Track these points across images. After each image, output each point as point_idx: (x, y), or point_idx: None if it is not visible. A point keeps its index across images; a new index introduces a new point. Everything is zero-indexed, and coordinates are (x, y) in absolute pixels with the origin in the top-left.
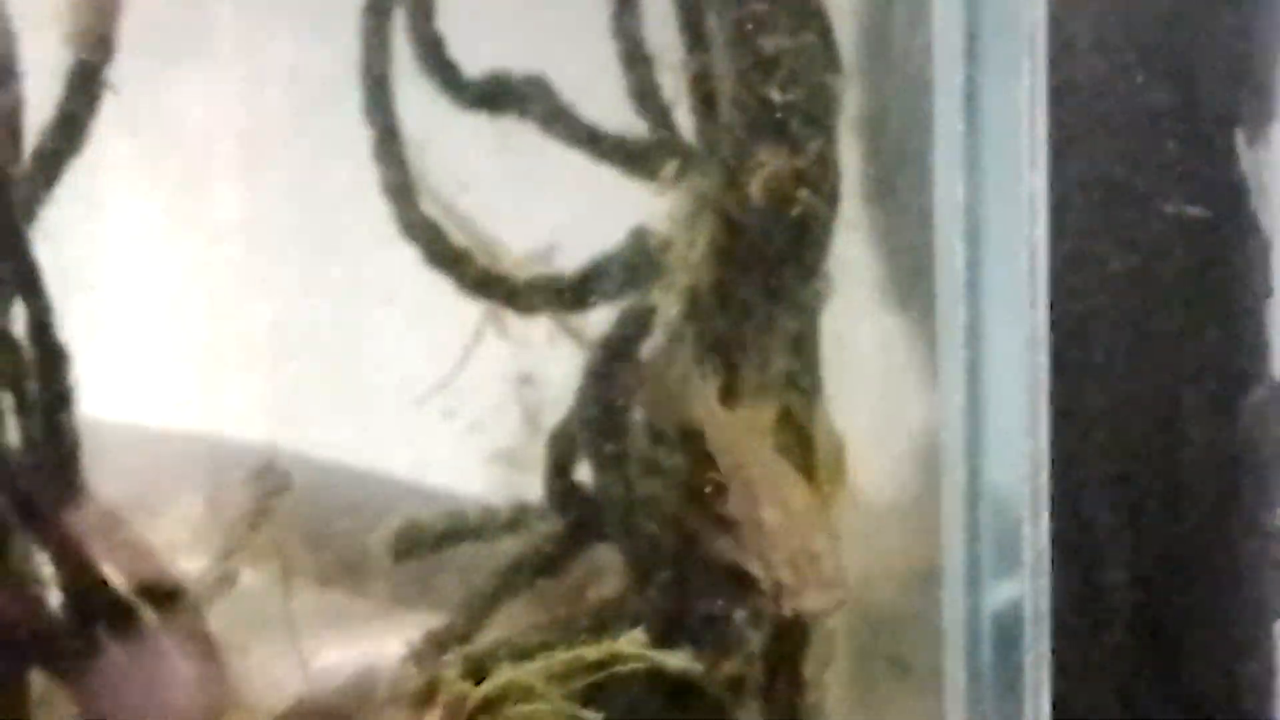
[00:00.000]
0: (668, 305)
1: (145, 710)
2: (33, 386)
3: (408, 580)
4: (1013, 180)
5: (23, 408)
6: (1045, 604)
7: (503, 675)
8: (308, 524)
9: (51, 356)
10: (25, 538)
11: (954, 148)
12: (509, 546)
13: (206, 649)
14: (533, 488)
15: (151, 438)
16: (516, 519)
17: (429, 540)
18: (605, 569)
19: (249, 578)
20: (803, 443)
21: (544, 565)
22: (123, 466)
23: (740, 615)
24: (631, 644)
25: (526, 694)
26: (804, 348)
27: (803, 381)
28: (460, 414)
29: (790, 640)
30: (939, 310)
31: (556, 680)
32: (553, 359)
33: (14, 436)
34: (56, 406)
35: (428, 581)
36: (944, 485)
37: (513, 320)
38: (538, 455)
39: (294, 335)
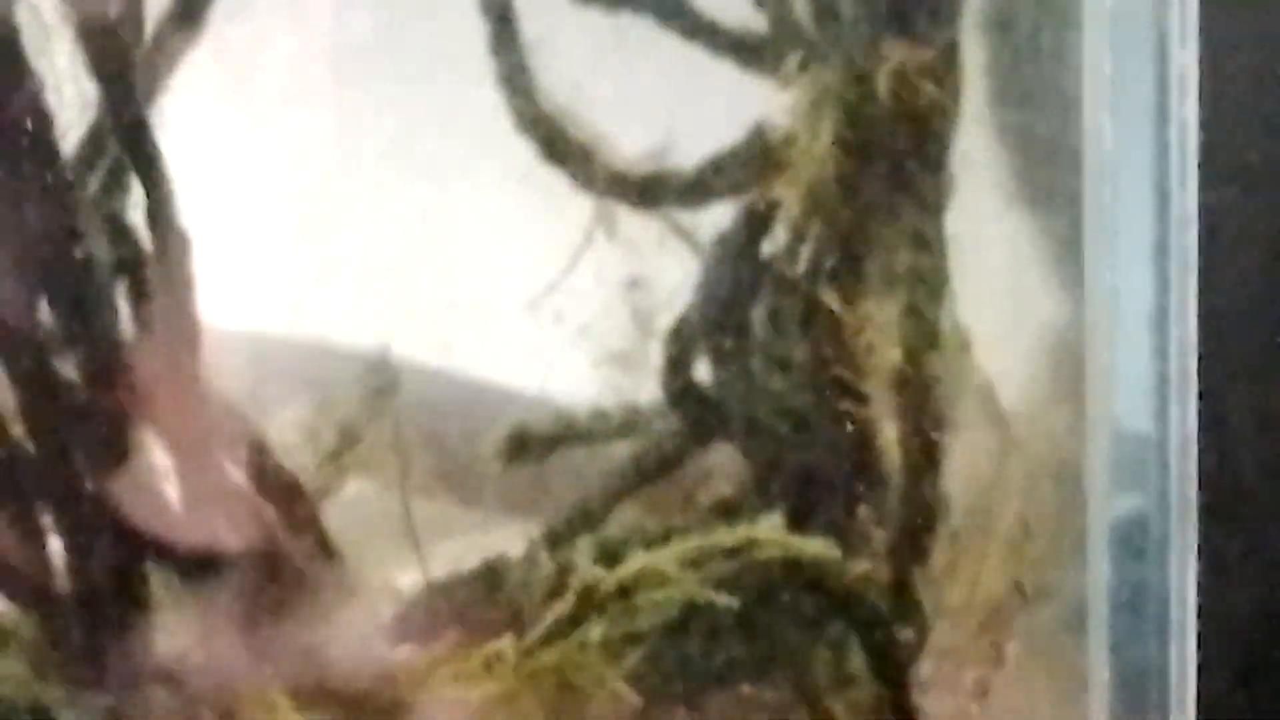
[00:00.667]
0: (790, 200)
1: (264, 605)
2: (151, 274)
3: (520, 488)
4: (1159, 60)
5: (140, 296)
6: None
7: (636, 561)
8: (418, 429)
9: (172, 242)
10: (142, 428)
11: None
12: (621, 451)
13: (324, 545)
14: (643, 391)
15: (257, 344)
16: (628, 422)
17: (539, 444)
18: (721, 471)
19: (360, 487)
20: (928, 339)
21: (662, 464)
22: (228, 371)
23: (866, 512)
24: (769, 530)
25: (660, 580)
26: (928, 243)
27: (928, 277)
28: (569, 318)
29: (917, 537)
30: (1082, 204)
31: (690, 566)
32: (663, 262)
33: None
34: (177, 286)
35: (541, 488)
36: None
37: (622, 223)
38: (648, 359)
39: (401, 243)
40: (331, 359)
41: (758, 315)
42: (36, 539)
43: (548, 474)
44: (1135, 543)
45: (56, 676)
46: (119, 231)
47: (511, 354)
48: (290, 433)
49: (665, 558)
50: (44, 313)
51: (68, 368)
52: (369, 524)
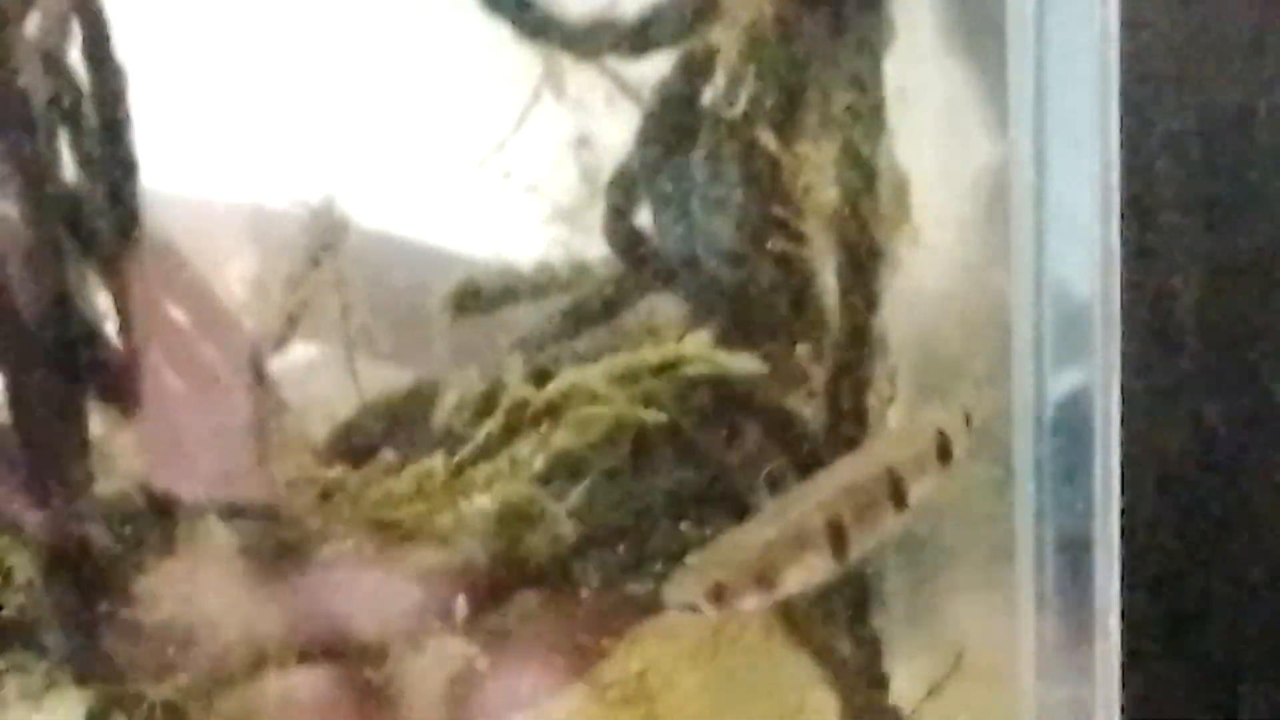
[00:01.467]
0: (728, 44)
1: (204, 442)
2: (90, 112)
3: (467, 344)
4: None
5: (79, 135)
6: (1114, 392)
7: (566, 379)
8: (365, 285)
9: (108, 78)
10: (84, 269)
11: None
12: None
13: (265, 387)
14: (589, 248)
15: (206, 204)
16: (573, 278)
17: (487, 298)
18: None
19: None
20: (865, 179)
21: (604, 309)
22: (177, 230)
23: (800, 349)
24: (696, 346)
25: (590, 397)
26: (867, 85)
27: (866, 118)
28: (518, 175)
29: (854, 373)
30: (1008, 57)
31: (619, 383)
32: (611, 121)
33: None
34: (114, 130)
35: (489, 344)
36: (1013, 255)
37: (570, 82)
38: (595, 216)
39: (352, 100)
40: (277, 219)
41: (697, 160)
42: None
43: (494, 329)
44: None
45: None
46: (56, 68)
47: (460, 211)
48: (237, 288)
49: (594, 374)
50: None
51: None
52: (315, 385)
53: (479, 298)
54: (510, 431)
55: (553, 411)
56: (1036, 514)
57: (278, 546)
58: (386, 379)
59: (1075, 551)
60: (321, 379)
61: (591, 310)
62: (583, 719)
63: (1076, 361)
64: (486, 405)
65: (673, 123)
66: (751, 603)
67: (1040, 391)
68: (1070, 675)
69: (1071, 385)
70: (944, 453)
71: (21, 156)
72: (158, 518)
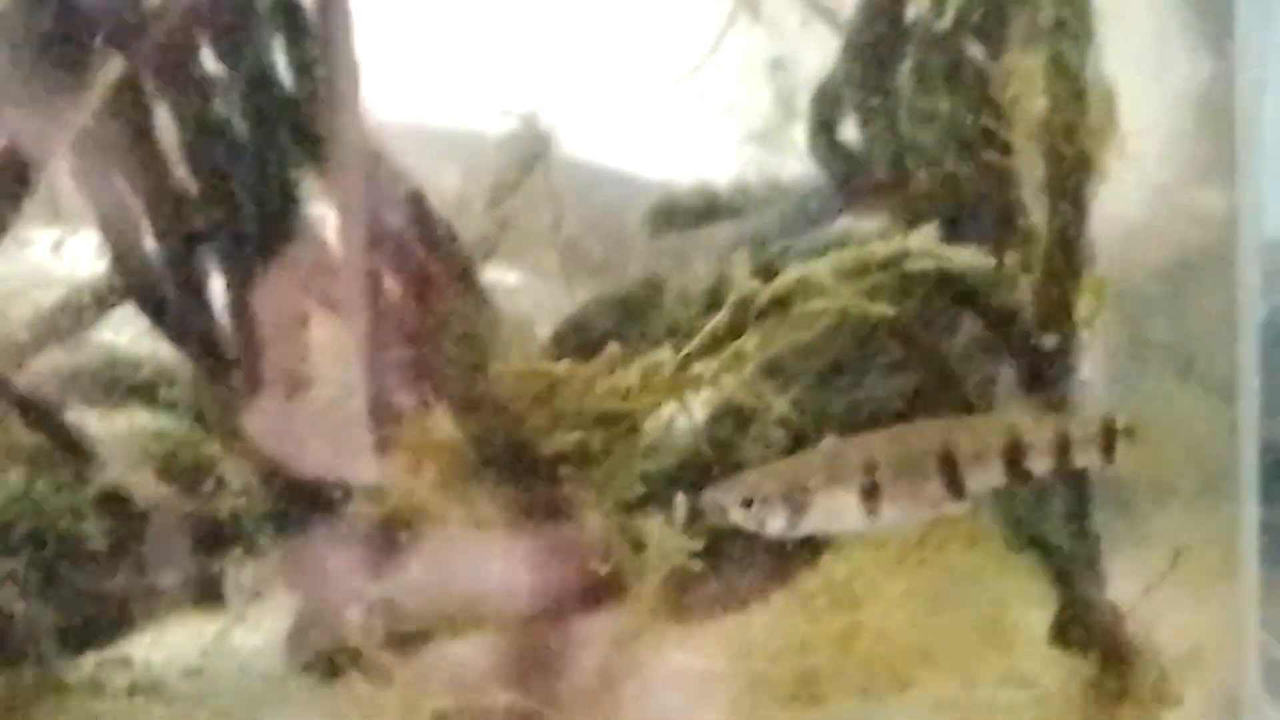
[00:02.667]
0: None
1: (422, 343)
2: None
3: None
4: None
5: (297, 38)
6: None
7: (792, 273)
8: (564, 205)
9: None
10: (300, 166)
11: None
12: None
13: (476, 287)
14: (785, 169)
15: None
16: (769, 197)
17: (684, 216)
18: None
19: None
20: (1073, 90)
21: (809, 224)
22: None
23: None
24: (922, 240)
25: (816, 290)
26: None
27: (1073, 29)
28: (715, 97)
29: (1063, 282)
30: None
31: (846, 276)
32: (805, 43)
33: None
34: (335, 31)
35: (684, 262)
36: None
37: (765, 4)
38: (789, 137)
39: (553, 22)
40: (483, 138)
41: (903, 73)
42: (199, 283)
43: (690, 247)
44: None
45: (213, 428)
46: None
47: (657, 131)
48: (441, 201)
49: (821, 269)
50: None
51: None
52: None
53: (676, 216)
54: (736, 325)
55: (779, 305)
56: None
57: (505, 440)
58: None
59: None
60: (522, 297)
61: (795, 226)
62: (788, 624)
63: None
64: (713, 300)
65: (879, 36)
66: (779, 522)
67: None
68: None
69: None
70: (1107, 443)
71: (244, 62)
72: (375, 417)
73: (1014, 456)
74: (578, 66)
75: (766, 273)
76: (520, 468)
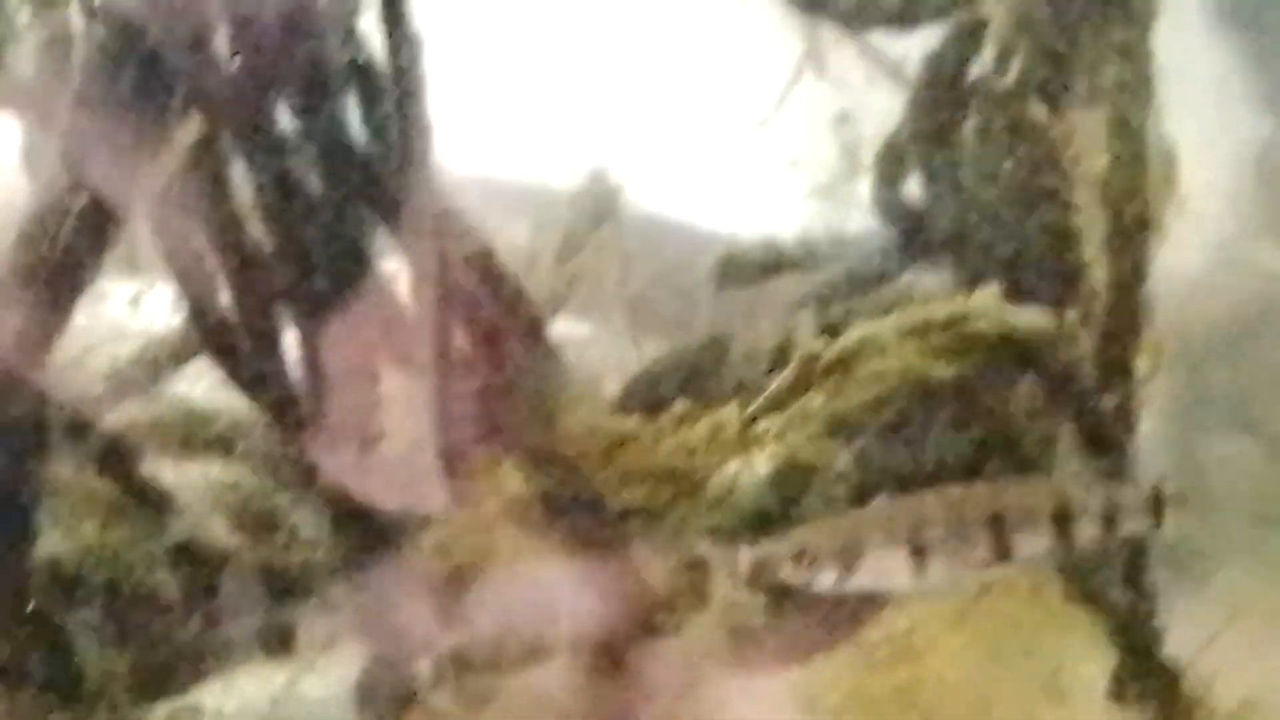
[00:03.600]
0: (999, 17)
1: (492, 398)
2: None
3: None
4: None
5: (371, 98)
6: None
7: (855, 332)
8: (631, 256)
9: (402, 45)
10: (373, 224)
11: None
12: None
13: (547, 346)
14: (850, 223)
15: (476, 182)
16: (834, 251)
17: (750, 270)
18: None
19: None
20: (1134, 149)
21: (875, 280)
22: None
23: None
24: (985, 300)
25: (879, 350)
26: (1135, 56)
27: (1135, 89)
28: (780, 151)
29: (1122, 341)
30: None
31: (908, 336)
32: (870, 98)
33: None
34: (408, 91)
35: (750, 316)
36: None
37: (830, 60)
38: (853, 191)
39: (618, 77)
40: (552, 193)
41: (967, 131)
42: (273, 337)
43: (756, 301)
44: None
45: (286, 480)
46: (350, 35)
47: (723, 185)
48: (510, 256)
49: (884, 328)
50: (283, 115)
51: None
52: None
53: (742, 269)
54: (801, 384)
55: (843, 365)
56: None
57: (573, 494)
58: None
59: None
60: (590, 352)
61: (861, 282)
62: (850, 677)
63: None
64: (778, 358)
65: (943, 94)
66: (829, 577)
67: None
68: None
69: None
70: (1156, 510)
71: (318, 121)
72: (445, 470)
73: (1062, 522)
74: (645, 122)
75: (831, 331)
76: (588, 521)
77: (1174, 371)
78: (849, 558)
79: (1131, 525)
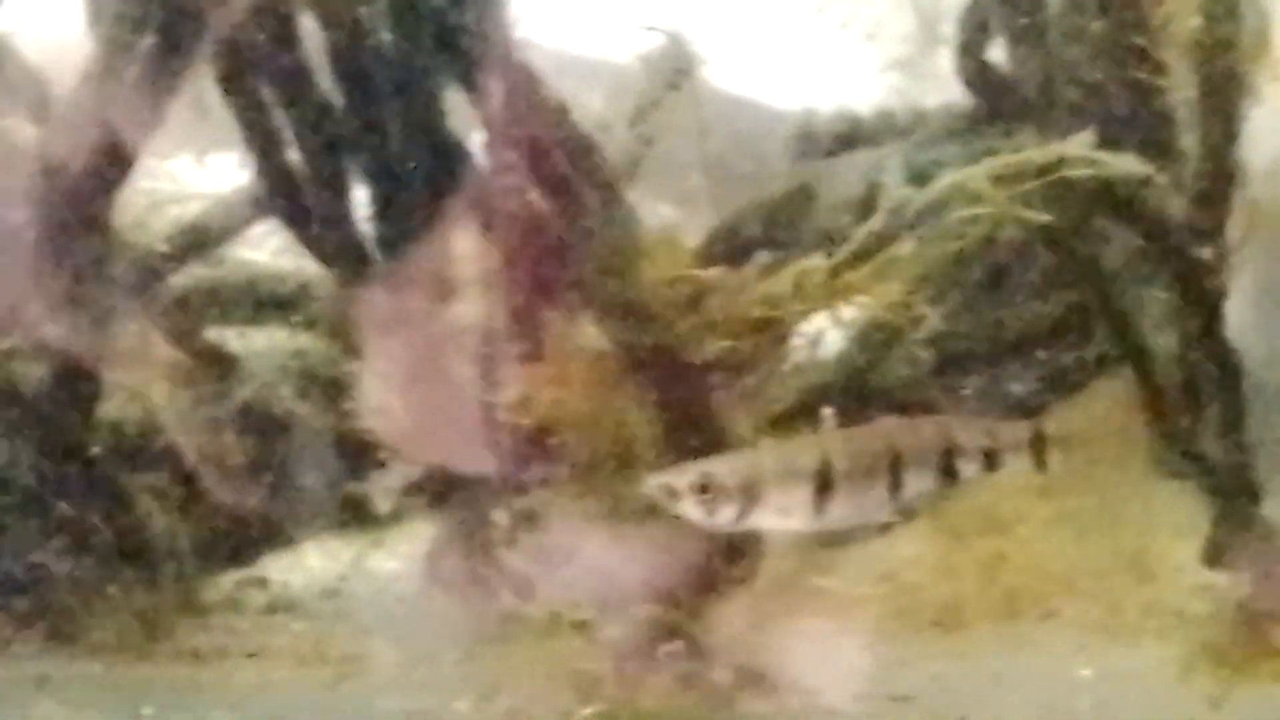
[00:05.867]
0: None
1: (569, 251)
2: None
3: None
4: None
5: None
6: None
7: (947, 179)
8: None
9: None
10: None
11: None
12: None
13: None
14: (926, 95)
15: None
16: (911, 124)
17: (826, 142)
18: None
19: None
20: (1228, 7)
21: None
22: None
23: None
24: (1079, 146)
25: (972, 196)
26: None
27: None
28: (857, 24)
29: (1214, 204)
30: None
31: (1001, 183)
32: None
33: None
34: None
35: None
36: None
37: None
38: (931, 64)
39: None
40: (623, 69)
41: None
42: (343, 195)
43: (832, 173)
44: None
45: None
46: None
47: (799, 59)
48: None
49: (976, 174)
50: None
51: None
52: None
53: (819, 140)
54: (890, 232)
55: (934, 212)
56: None
57: (652, 347)
58: None
59: None
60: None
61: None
62: (933, 550)
63: None
64: (866, 208)
65: None
66: (728, 514)
67: None
68: None
69: None
70: (1039, 449)
71: None
72: (519, 327)
73: (947, 460)
74: None
75: (920, 179)
76: (668, 376)
77: (1266, 242)
78: (750, 495)
79: (1014, 464)
